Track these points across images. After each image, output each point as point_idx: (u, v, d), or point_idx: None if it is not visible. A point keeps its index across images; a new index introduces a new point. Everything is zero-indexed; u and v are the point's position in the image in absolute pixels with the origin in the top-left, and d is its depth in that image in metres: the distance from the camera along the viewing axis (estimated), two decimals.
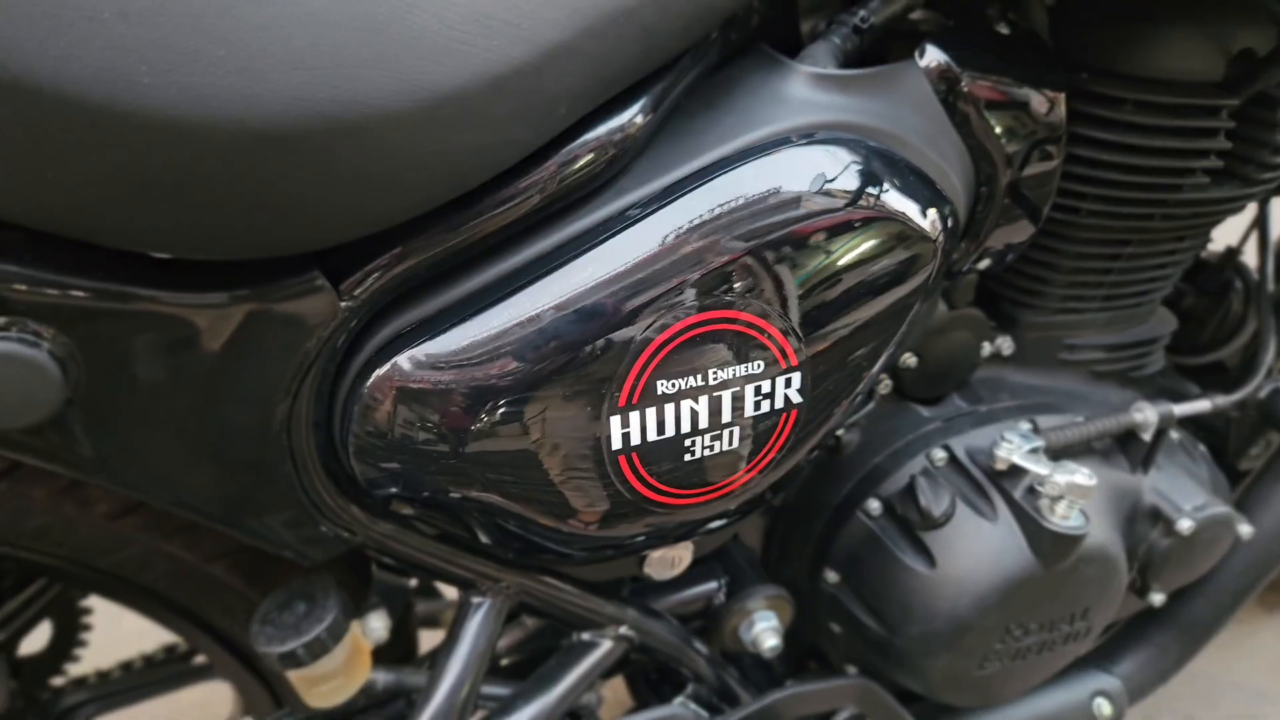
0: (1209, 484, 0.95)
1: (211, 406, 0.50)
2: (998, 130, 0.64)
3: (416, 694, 0.70)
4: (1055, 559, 0.79)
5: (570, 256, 0.52)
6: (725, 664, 0.85)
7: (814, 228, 0.54)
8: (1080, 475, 0.75)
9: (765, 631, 0.82)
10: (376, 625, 0.74)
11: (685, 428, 0.56)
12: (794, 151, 0.55)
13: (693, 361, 0.54)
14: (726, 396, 0.56)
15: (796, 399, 0.58)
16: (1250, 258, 1.01)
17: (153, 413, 0.49)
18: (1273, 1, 0.65)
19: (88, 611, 0.98)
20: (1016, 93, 0.64)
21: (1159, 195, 0.74)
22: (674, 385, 0.54)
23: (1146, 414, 0.85)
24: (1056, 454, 0.81)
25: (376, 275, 0.50)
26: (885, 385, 0.84)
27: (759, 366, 0.56)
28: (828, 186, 0.54)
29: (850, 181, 0.55)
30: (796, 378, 0.58)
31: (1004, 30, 0.70)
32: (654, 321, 0.52)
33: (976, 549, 0.80)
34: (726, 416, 0.57)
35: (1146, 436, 0.86)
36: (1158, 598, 0.95)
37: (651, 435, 0.55)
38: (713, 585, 0.83)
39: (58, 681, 0.98)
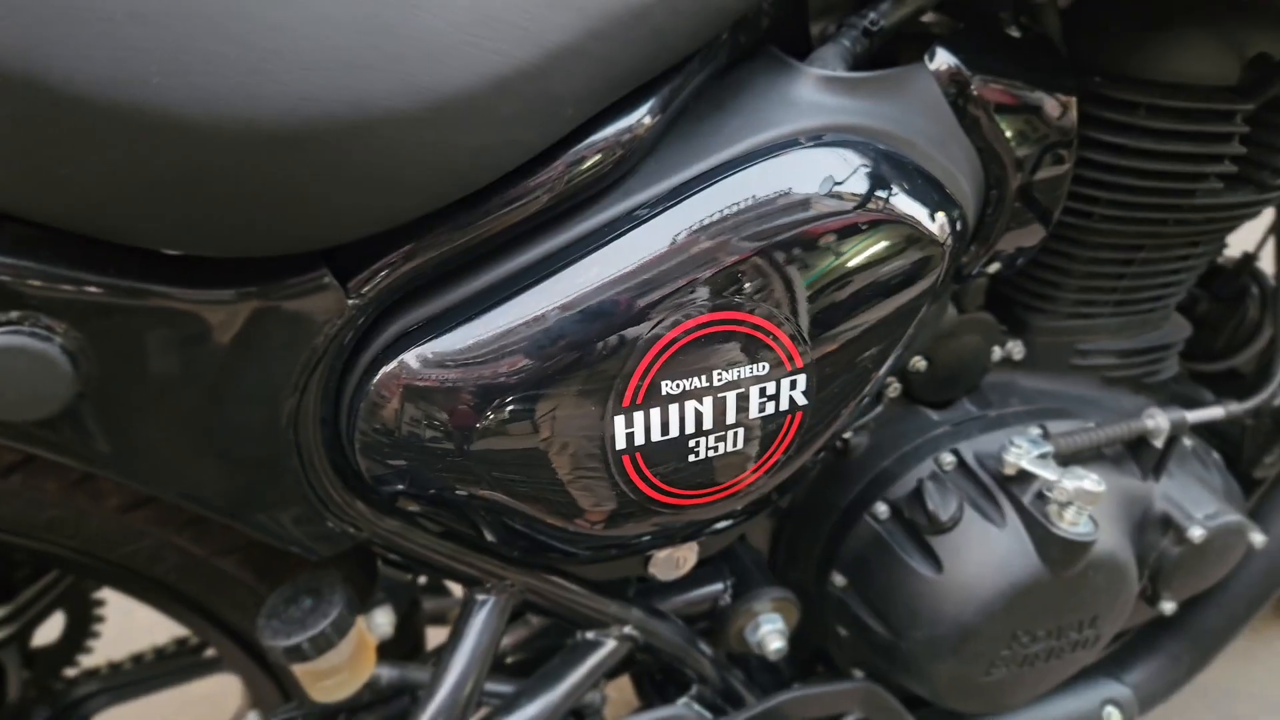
0: (1222, 492, 0.94)
1: (220, 401, 0.50)
2: (1008, 134, 0.64)
3: (421, 690, 0.70)
4: (1063, 565, 0.78)
5: (577, 256, 0.53)
6: (730, 665, 0.85)
7: (821, 230, 0.54)
8: (1089, 481, 0.74)
9: (770, 634, 0.82)
10: (381, 621, 0.74)
11: (689, 428, 0.56)
12: (801, 154, 0.55)
13: (697, 362, 0.54)
14: (731, 398, 0.56)
15: (802, 401, 0.58)
16: (1267, 264, 1.00)
17: (162, 407, 0.50)
18: None
19: (100, 604, 1.00)
20: (1027, 96, 0.64)
21: (1172, 200, 0.74)
22: (678, 386, 0.54)
23: (1158, 420, 0.85)
24: (1066, 460, 0.81)
25: (384, 273, 0.50)
26: (894, 388, 0.84)
27: (764, 368, 0.56)
28: (835, 189, 0.54)
29: (858, 184, 0.55)
30: (802, 380, 0.58)
31: (1015, 34, 0.69)
32: (659, 322, 0.52)
33: (984, 554, 0.79)
34: (731, 418, 0.57)
35: (1158, 443, 0.86)
36: (1169, 606, 0.94)
37: (655, 435, 0.56)
38: (719, 586, 0.83)
39: (70, 672, 0.99)
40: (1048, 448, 0.79)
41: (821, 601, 0.89)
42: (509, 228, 0.52)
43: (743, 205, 0.53)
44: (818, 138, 0.56)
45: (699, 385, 0.55)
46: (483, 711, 0.73)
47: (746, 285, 0.53)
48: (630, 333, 0.52)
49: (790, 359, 0.56)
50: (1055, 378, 0.90)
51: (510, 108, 0.45)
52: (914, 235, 0.57)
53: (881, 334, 0.59)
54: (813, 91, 0.58)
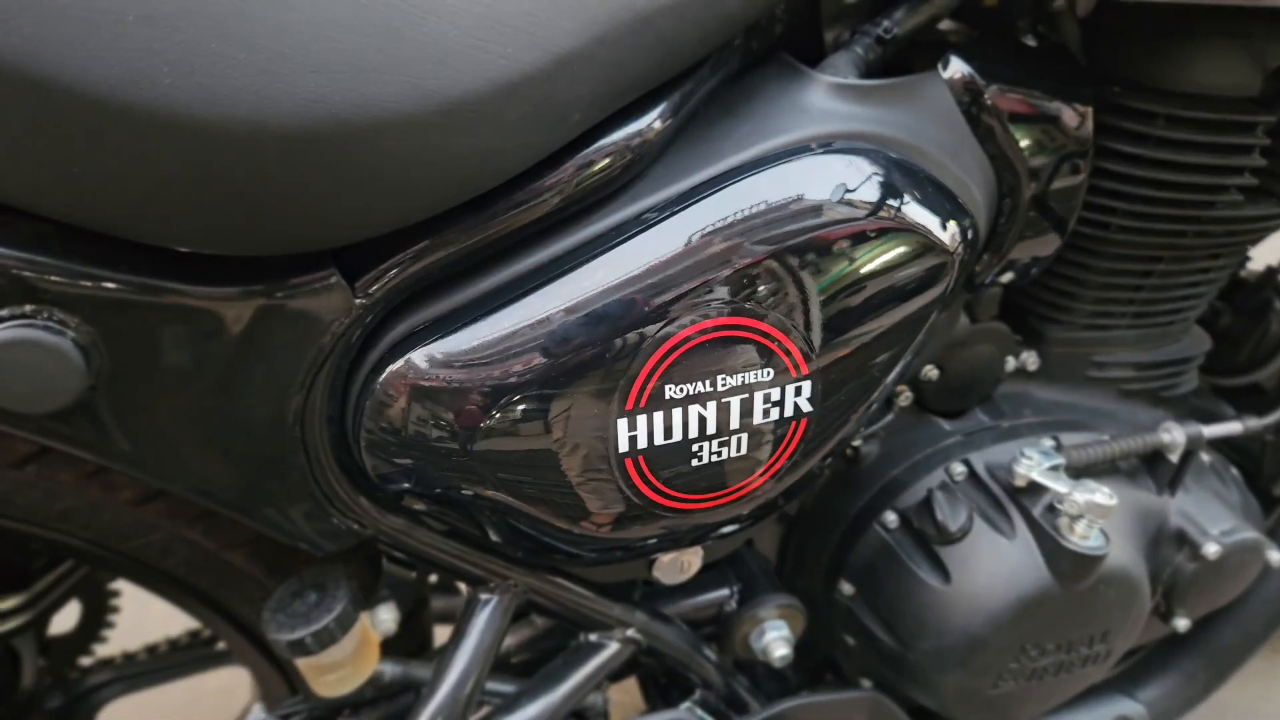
0: (1240, 508, 0.92)
1: (228, 397, 0.51)
2: (1022, 143, 0.64)
3: (424, 687, 0.70)
4: (1073, 579, 0.77)
5: (584, 259, 0.53)
6: (734, 671, 0.85)
7: (828, 237, 0.54)
8: (1100, 494, 0.73)
9: (776, 640, 0.81)
10: (385, 618, 0.75)
11: (692, 433, 0.56)
12: (811, 160, 0.55)
13: (702, 367, 0.54)
14: (735, 403, 0.56)
15: (807, 408, 0.58)
16: None
17: (171, 401, 0.51)
18: None
19: (116, 594, 1.01)
20: (1042, 106, 0.63)
21: (1191, 212, 0.73)
22: (682, 390, 0.54)
23: (1174, 435, 0.84)
24: (1079, 472, 0.80)
25: (392, 273, 0.51)
26: (906, 397, 0.84)
27: (768, 374, 0.56)
28: (844, 196, 0.54)
29: (867, 191, 0.55)
30: (807, 386, 0.57)
31: (1031, 43, 0.69)
32: (664, 326, 0.52)
33: (993, 566, 0.78)
34: (734, 423, 0.57)
35: (1174, 457, 0.84)
36: (1182, 623, 0.93)
37: (659, 439, 0.56)
38: (725, 592, 0.83)
39: (85, 661, 1.01)
40: (1060, 460, 0.78)
41: (829, 610, 0.89)
42: (517, 230, 0.53)
43: (750, 211, 0.53)
44: (828, 144, 0.56)
45: (703, 390, 0.55)
46: (484, 710, 0.74)
47: (752, 291, 0.53)
48: (635, 336, 0.52)
49: (795, 366, 0.56)
50: (1070, 389, 0.89)
51: (516, 112, 0.46)
52: (923, 244, 0.56)
53: (889, 342, 0.59)
54: (823, 98, 0.58)
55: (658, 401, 0.54)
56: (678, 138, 0.57)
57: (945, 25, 0.70)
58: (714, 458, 0.58)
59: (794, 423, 0.59)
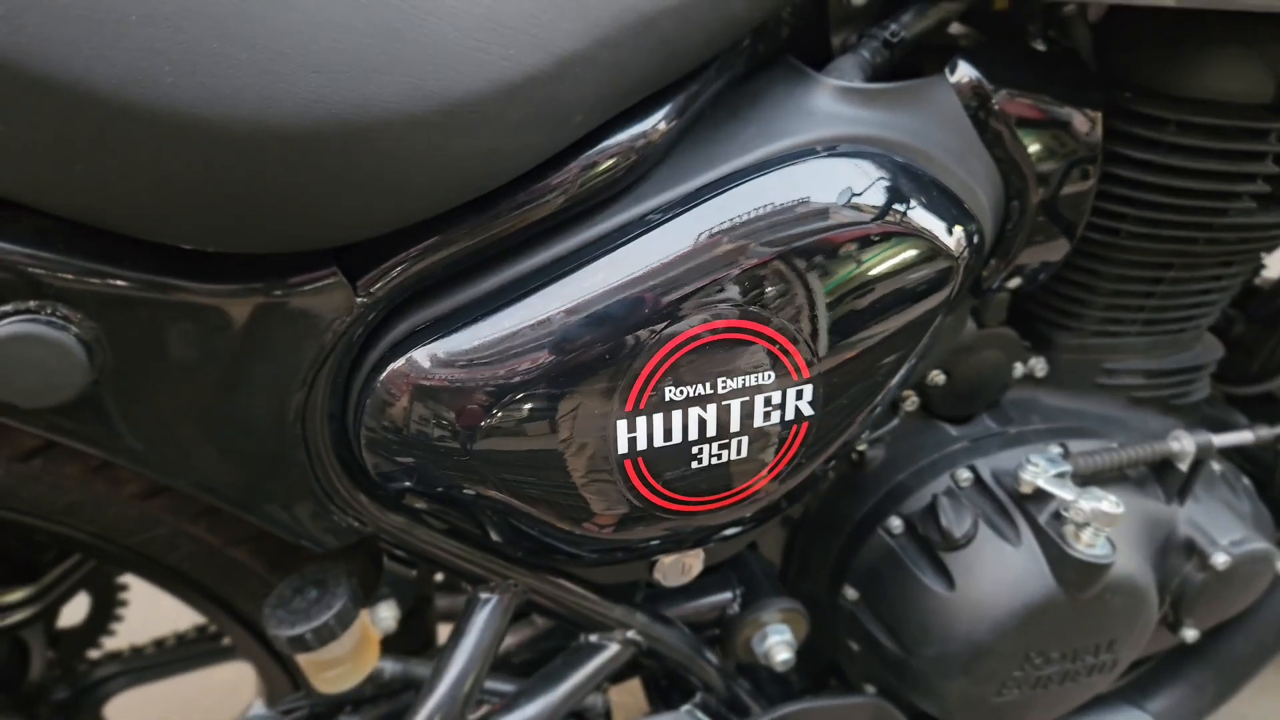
0: (1250, 518, 0.91)
1: (230, 394, 0.51)
2: (1030, 149, 0.63)
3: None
4: (1079, 587, 0.77)
5: (586, 260, 0.53)
6: (736, 675, 0.84)
7: (832, 240, 0.54)
8: (1107, 502, 0.73)
9: (778, 645, 0.81)
10: (386, 615, 0.75)
11: (693, 435, 0.56)
12: (815, 163, 0.55)
13: (702, 369, 0.54)
14: (735, 406, 0.56)
15: (808, 411, 0.58)
16: None
17: (173, 397, 0.51)
18: None
19: (124, 588, 1.02)
20: (1051, 111, 0.63)
21: (1203, 219, 0.72)
22: (682, 392, 0.54)
23: (1183, 443, 0.83)
24: (1086, 480, 0.79)
25: (393, 272, 0.51)
26: (912, 402, 0.83)
27: (769, 377, 0.56)
28: (849, 199, 0.54)
29: (871, 195, 0.55)
30: (808, 390, 0.57)
31: (1040, 47, 0.68)
32: (665, 327, 0.52)
33: (997, 572, 0.78)
34: (735, 426, 0.57)
35: (1183, 466, 0.84)
36: (1190, 633, 0.92)
37: (658, 441, 0.56)
38: (727, 595, 0.83)
39: (93, 654, 1.02)
40: (1066, 467, 0.77)
41: (833, 614, 0.88)
42: (520, 230, 0.53)
43: (754, 213, 0.53)
44: (832, 148, 0.56)
45: (703, 392, 0.55)
46: (483, 709, 0.74)
47: (754, 294, 0.53)
48: (635, 338, 0.52)
49: (797, 369, 0.56)
50: (1079, 396, 0.88)
51: (518, 113, 0.46)
52: (927, 248, 0.56)
53: (892, 347, 0.58)
54: (829, 102, 0.58)
55: (658, 403, 0.54)
56: (682, 140, 0.57)
57: (954, 29, 0.69)
58: (714, 460, 0.58)
59: (795, 426, 0.58)
